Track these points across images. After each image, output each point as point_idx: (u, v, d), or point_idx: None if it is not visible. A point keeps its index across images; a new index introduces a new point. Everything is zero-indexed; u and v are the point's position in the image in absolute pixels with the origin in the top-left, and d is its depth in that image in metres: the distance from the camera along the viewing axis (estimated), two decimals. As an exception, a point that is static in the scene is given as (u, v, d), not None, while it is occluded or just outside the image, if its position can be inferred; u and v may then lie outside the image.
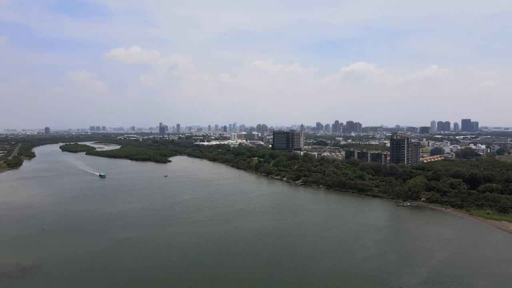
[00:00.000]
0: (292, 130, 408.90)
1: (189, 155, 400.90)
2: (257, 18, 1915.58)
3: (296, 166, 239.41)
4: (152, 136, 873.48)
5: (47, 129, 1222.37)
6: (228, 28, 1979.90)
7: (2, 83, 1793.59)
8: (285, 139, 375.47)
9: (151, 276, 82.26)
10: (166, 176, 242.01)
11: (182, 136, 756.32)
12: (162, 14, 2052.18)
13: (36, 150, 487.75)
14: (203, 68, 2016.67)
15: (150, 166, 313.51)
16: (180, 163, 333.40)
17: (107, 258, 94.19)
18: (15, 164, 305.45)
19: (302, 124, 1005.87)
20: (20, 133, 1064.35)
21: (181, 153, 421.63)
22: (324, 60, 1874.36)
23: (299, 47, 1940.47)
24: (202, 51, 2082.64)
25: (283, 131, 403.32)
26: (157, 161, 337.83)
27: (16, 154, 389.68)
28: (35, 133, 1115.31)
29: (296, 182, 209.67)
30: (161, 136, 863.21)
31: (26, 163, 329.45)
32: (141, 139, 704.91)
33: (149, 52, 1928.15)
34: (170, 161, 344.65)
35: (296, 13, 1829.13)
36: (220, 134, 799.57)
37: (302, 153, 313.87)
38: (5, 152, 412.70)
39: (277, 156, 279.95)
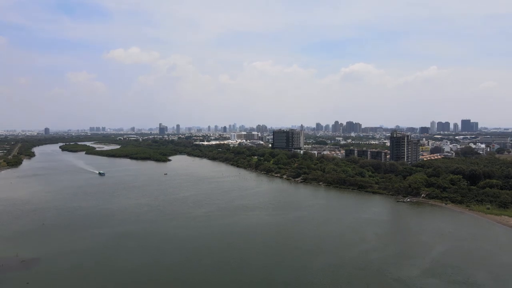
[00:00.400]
0: (291, 129, 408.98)
1: (189, 154, 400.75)
2: (256, 19, 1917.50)
3: (296, 164, 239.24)
4: (152, 136, 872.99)
5: (46, 129, 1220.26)
6: (227, 29, 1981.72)
7: (2, 83, 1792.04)
8: (285, 138, 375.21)
9: (150, 269, 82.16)
10: (166, 174, 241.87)
11: (182, 137, 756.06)
12: (161, 15, 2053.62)
13: (36, 150, 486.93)
14: (203, 69, 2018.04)
15: (150, 164, 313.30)
16: (180, 162, 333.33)
17: (107, 251, 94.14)
18: (15, 162, 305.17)
19: (302, 125, 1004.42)
20: (19, 134, 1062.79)
21: (181, 152, 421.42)
22: (323, 61, 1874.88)
23: (298, 48, 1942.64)
24: (201, 52, 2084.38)
25: (283, 130, 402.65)
26: (157, 160, 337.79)
27: (16, 153, 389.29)
28: (35, 133, 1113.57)
29: (296, 179, 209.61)
30: (160, 136, 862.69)
31: (26, 162, 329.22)
32: (140, 139, 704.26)
33: (148, 53, 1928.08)
34: (170, 160, 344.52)
35: (295, 14, 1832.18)
36: (220, 135, 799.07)
37: (302, 151, 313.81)
38: (4, 151, 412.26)
39: (277, 154, 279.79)
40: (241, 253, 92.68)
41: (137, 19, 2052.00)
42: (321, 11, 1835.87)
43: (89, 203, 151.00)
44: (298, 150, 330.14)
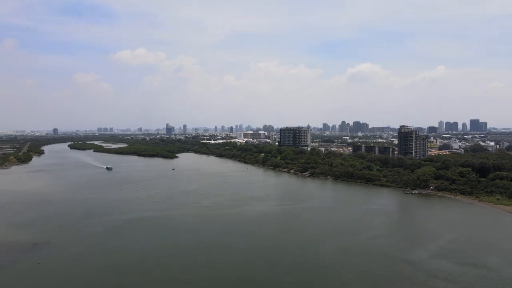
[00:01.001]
0: (299, 127, 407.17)
1: (196, 152, 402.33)
2: (262, 20, 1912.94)
3: (303, 160, 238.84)
4: (159, 136, 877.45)
5: (55, 130, 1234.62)
6: (233, 30, 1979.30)
7: (10, 85, 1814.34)
8: (292, 136, 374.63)
9: (158, 252, 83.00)
10: (173, 169, 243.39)
11: (188, 136, 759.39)
12: (168, 17, 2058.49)
13: (45, 148, 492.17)
14: (209, 70, 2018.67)
15: (157, 161, 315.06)
16: (187, 159, 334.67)
17: (115, 236, 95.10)
18: (25, 159, 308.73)
19: (308, 125, 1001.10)
20: (28, 134, 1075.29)
21: (188, 150, 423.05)
22: (330, 61, 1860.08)
23: (304, 49, 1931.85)
24: (207, 53, 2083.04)
25: (290, 128, 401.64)
26: (165, 157, 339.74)
27: (26, 151, 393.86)
28: (44, 134, 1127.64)
29: (304, 174, 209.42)
30: (167, 136, 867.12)
31: (35, 159, 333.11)
32: (148, 139, 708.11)
33: (154, 54, 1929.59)
34: (177, 157, 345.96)
35: (302, 14, 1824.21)
36: (226, 134, 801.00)
37: (309, 148, 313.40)
38: (15, 149, 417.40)
39: (284, 151, 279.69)
40: (249, 236, 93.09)
41: (144, 21, 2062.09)
42: (327, 12, 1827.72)
43: (98, 194, 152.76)
44: (305, 147, 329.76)
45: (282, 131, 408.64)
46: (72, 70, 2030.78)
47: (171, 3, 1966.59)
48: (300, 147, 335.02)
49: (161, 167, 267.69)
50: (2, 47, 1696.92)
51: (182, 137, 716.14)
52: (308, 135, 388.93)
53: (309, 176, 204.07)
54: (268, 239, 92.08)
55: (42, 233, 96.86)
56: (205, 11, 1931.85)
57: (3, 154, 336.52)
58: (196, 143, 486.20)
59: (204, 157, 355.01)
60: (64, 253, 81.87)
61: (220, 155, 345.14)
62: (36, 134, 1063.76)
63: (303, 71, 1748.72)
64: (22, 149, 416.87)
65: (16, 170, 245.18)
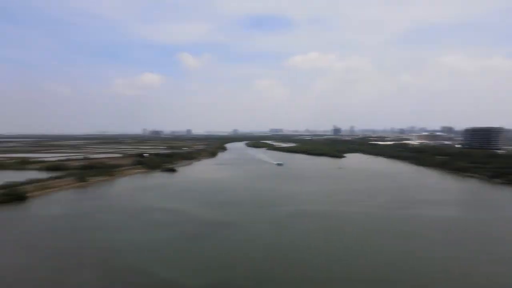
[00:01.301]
0: (489, 127, 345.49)
1: (364, 152, 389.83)
2: (447, 9, 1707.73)
3: (496, 164, 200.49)
4: (326, 136, 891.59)
5: (235, 130, 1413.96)
6: (412, 23, 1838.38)
7: (208, 92, 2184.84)
8: (480, 137, 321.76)
9: (321, 247, 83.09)
10: (340, 168, 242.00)
11: (356, 137, 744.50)
12: (341, 20, 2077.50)
13: (227, 145, 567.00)
14: (381, 69, 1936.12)
15: (324, 160, 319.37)
16: (354, 159, 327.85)
17: (286, 223, 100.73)
18: (213, 154, 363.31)
19: (502, 126, 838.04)
20: (215, 134, 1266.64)
21: (355, 150, 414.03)
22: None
23: (501, 36, 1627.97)
24: (381, 52, 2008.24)
25: (478, 128, 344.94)
26: (332, 156, 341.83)
27: (214, 148, 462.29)
28: (225, 134, 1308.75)
29: (495, 179, 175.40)
30: (334, 137, 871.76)
31: (220, 154, 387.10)
32: (313, 139, 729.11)
33: (326, 57, 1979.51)
34: (344, 156, 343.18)
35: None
36: (396, 136, 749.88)
37: (504, 152, 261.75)
38: (206, 146, 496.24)
39: (468, 154, 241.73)
40: (417, 243, 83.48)
41: (316, 26, 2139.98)
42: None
43: (270, 186, 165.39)
44: (498, 151, 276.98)
45: (468, 132, 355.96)
46: (252, 76, 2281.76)
47: (345, 7, 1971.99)
48: (490, 150, 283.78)
49: (328, 165, 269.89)
50: (203, 61, 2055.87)
51: (349, 138, 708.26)
52: (502, 137, 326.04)
53: (504, 183, 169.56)
54: (438, 245, 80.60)
55: (228, 214, 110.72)
56: (381, 7, 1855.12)
57: (197, 149, 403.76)
58: (364, 144, 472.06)
59: (372, 157, 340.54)
60: (247, 232, 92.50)
61: (390, 156, 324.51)
62: (220, 134, 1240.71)
63: (497, 63, 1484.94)
64: (211, 146, 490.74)
65: (207, 163, 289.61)
